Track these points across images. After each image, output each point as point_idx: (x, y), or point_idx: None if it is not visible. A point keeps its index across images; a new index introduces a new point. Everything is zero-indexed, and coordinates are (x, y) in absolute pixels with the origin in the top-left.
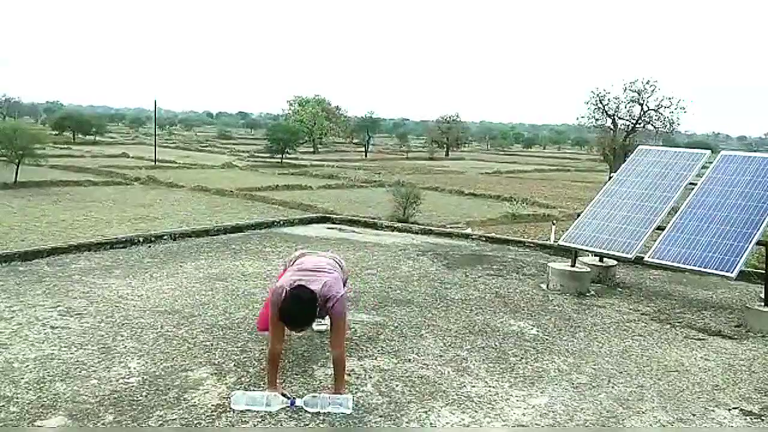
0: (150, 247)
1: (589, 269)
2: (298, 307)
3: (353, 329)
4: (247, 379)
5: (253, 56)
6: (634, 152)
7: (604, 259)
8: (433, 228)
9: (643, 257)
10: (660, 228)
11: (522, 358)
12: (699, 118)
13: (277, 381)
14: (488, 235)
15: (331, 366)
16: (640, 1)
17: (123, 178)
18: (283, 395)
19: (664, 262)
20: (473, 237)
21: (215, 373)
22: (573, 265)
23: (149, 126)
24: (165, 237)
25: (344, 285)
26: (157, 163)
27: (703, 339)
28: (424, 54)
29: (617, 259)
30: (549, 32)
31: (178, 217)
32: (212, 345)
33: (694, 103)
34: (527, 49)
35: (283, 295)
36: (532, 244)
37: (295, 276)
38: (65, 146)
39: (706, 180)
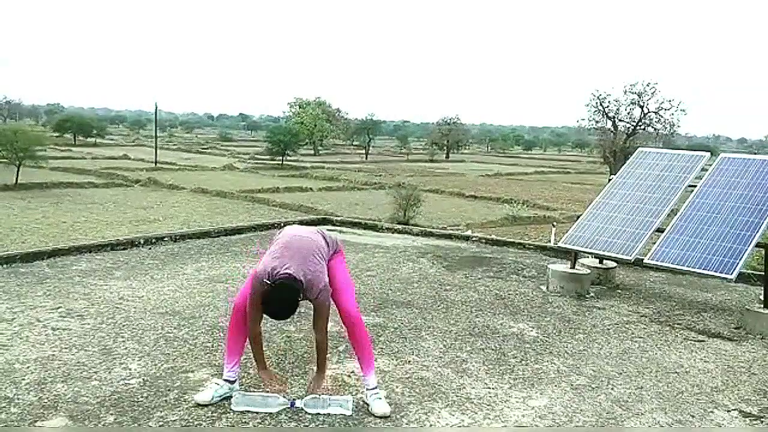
0: (151, 248)
1: (588, 271)
2: (281, 301)
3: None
4: (248, 381)
5: (254, 58)
6: (634, 154)
7: (604, 261)
8: (433, 230)
9: (642, 259)
10: (660, 230)
11: (522, 359)
12: (699, 120)
13: (265, 360)
14: (488, 237)
15: (332, 366)
16: (639, 3)
17: (124, 180)
18: (284, 396)
19: (663, 264)
20: (473, 239)
21: (216, 375)
22: (573, 267)
23: (150, 128)
24: (166, 238)
25: (336, 254)
26: (157, 165)
27: (703, 341)
28: (424, 56)
29: (617, 260)
30: (549, 35)
31: (179, 218)
32: (213, 346)
33: (694, 105)
34: (528, 52)
35: (266, 286)
36: (532, 246)
37: (275, 262)
38: (66, 148)
39: (706, 182)
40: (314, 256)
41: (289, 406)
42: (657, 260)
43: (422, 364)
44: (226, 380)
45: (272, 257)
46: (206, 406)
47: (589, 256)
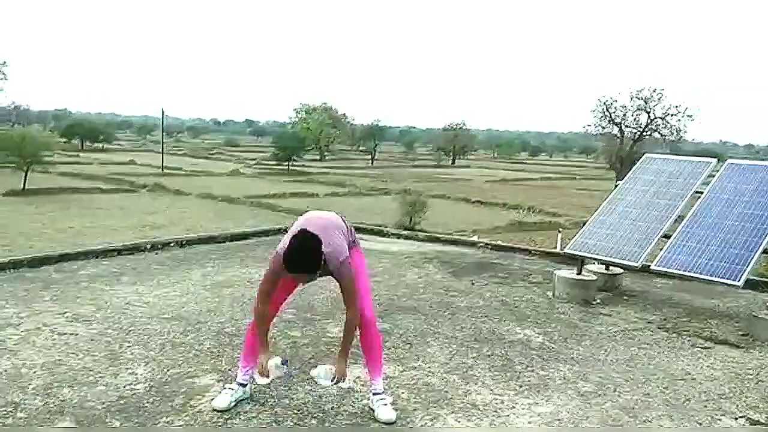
0: (157, 253)
1: (595, 277)
2: (302, 246)
3: (356, 336)
4: (253, 385)
5: (261, 64)
6: (641, 160)
7: (610, 267)
8: (439, 235)
9: (649, 265)
10: (666, 236)
11: (528, 366)
12: (706, 126)
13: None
14: (494, 242)
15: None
16: (644, 8)
17: (130, 185)
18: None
19: (670, 271)
20: (479, 245)
21: (221, 380)
22: (579, 273)
23: (156, 133)
24: (172, 244)
25: (354, 244)
26: (164, 170)
27: (710, 348)
28: (430, 62)
29: (623, 267)
30: (556, 40)
31: (185, 224)
32: (218, 352)
33: (693, 105)
34: (534, 58)
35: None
36: (538, 252)
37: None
38: (73, 154)
39: (713, 188)
40: (334, 231)
41: (284, 372)
42: (664, 267)
43: (428, 370)
44: (239, 384)
45: (290, 235)
46: (211, 411)
47: (596, 262)
